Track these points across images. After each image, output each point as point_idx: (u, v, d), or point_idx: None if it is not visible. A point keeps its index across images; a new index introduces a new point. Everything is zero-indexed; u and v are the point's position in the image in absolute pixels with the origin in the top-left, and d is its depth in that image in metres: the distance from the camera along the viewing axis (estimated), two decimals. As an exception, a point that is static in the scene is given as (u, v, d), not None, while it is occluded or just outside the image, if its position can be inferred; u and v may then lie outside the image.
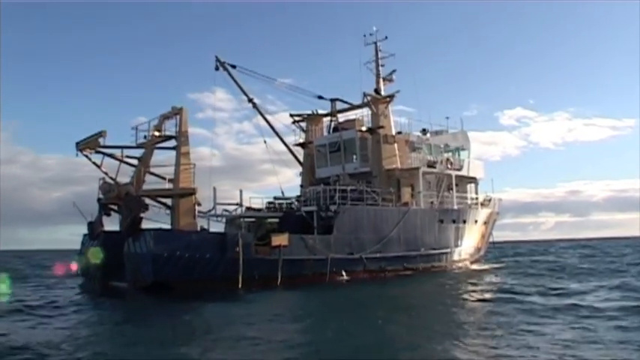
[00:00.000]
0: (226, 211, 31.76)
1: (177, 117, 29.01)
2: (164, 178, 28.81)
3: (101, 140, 27.73)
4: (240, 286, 25.60)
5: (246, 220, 32.71)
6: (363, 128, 35.56)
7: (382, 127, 34.88)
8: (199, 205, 28.41)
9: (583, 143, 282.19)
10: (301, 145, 38.98)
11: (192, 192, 27.45)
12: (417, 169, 35.17)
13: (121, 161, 28.48)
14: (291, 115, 39.42)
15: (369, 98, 35.42)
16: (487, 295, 23.23)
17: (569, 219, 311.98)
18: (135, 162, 29.13)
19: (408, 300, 23.24)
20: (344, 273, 29.62)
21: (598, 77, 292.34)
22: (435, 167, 36.56)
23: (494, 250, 47.25)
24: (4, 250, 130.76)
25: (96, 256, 28.14)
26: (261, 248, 27.72)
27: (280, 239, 27.82)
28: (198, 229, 28.80)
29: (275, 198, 33.24)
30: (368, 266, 30.79)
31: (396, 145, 35.68)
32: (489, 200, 42.18)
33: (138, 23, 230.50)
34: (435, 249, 34.91)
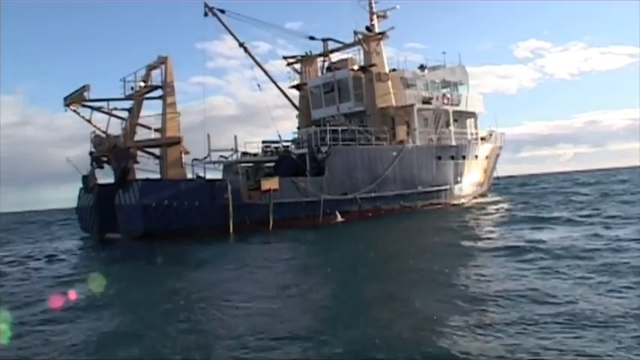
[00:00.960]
0: (223, 157, 31.78)
1: (163, 67, 28.75)
2: (151, 129, 28.71)
3: (86, 94, 27.61)
4: (231, 231, 25.90)
5: (244, 165, 32.65)
6: (355, 67, 34.94)
7: (374, 64, 34.23)
8: (187, 153, 28.41)
9: (600, 72, 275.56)
10: (296, 87, 38.52)
11: (178, 141, 27.38)
12: (412, 105, 34.63)
13: (108, 114, 28.45)
14: (285, 58, 38.92)
15: (360, 36, 34.70)
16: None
17: (587, 150, 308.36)
18: (124, 114, 29.12)
19: (395, 236, 23.43)
20: (338, 214, 29.64)
21: (613, 4, 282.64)
22: (430, 103, 35.93)
23: (499, 185, 46.69)
24: (28, 211, 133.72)
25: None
26: (251, 193, 27.86)
27: (270, 183, 27.88)
28: (190, 177, 28.91)
29: (263, 142, 32.97)
30: (363, 206, 30.73)
31: (389, 82, 35.01)
32: (490, 135, 41.56)
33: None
34: (433, 186, 34.65)
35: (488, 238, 19.39)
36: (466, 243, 18.35)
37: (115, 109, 29.32)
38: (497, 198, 41.15)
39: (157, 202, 25.24)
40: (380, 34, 35.44)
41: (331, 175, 29.62)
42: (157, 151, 28.58)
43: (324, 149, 29.82)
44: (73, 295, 12.80)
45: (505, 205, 34.53)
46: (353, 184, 30.50)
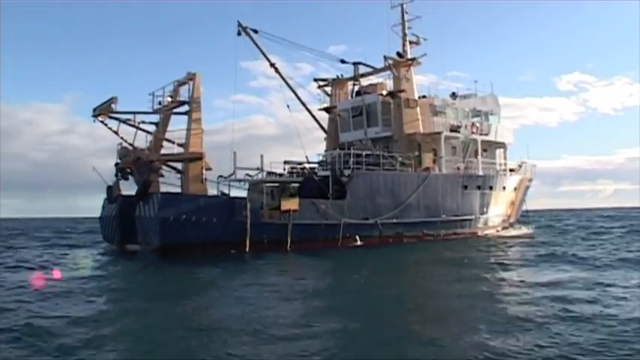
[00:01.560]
0: (248, 175, 31.86)
1: (191, 83, 29.07)
2: (174, 143, 28.97)
3: (114, 106, 28.03)
4: (247, 249, 25.86)
5: (269, 185, 32.65)
6: (384, 92, 34.84)
7: (403, 90, 34.05)
8: (209, 169, 28.54)
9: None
10: (325, 109, 38.54)
11: (199, 156, 27.55)
12: (439, 133, 34.30)
13: (135, 127, 28.79)
14: (315, 80, 39.14)
15: (390, 62, 34.63)
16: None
17: (628, 186, 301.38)
18: (151, 127, 29.48)
19: (409, 266, 22.93)
20: (358, 238, 29.38)
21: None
22: (458, 132, 35.55)
23: (528, 218, 45.71)
24: (66, 218, 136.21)
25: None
26: (271, 212, 27.82)
27: (290, 204, 27.85)
28: (214, 193, 29.06)
29: (285, 162, 32.84)
30: (384, 232, 30.42)
31: (418, 109, 34.77)
32: (520, 166, 40.89)
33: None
34: (457, 215, 34.14)
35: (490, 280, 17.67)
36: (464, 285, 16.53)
37: (143, 122, 29.75)
38: (523, 232, 40.14)
39: (175, 215, 25.34)
40: (410, 60, 35.29)
41: (353, 199, 29.41)
42: (180, 165, 28.81)
43: (346, 172, 29.68)
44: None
45: (526, 240, 33.31)
46: (375, 209, 30.23)
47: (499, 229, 38.63)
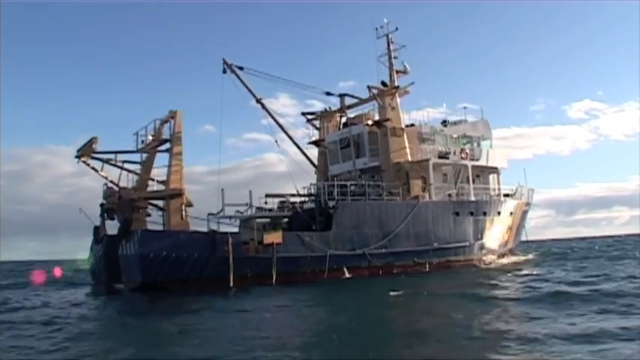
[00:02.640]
0: (238, 212, 31.73)
1: (173, 120, 29.28)
2: (154, 180, 29.09)
3: (95, 146, 28.23)
4: (231, 284, 25.60)
5: (260, 220, 32.46)
6: (369, 122, 34.77)
7: (388, 119, 33.93)
8: (190, 205, 28.52)
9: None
10: (315, 143, 38.52)
11: (179, 193, 27.54)
12: (427, 160, 34.01)
13: (118, 167, 28.95)
14: (303, 114, 39.20)
15: (375, 91, 34.63)
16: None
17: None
18: (134, 167, 29.66)
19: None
20: (346, 270, 28.98)
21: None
22: (447, 158, 35.25)
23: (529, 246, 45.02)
24: (82, 259, 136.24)
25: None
26: (255, 246, 27.63)
27: (273, 237, 27.64)
28: (198, 229, 28.94)
29: (267, 195, 32.56)
30: (373, 262, 29.98)
31: (405, 137, 34.62)
32: (515, 191, 40.41)
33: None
34: (450, 243, 33.63)
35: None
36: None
37: (128, 162, 29.96)
38: (522, 258, 39.40)
39: (155, 252, 25.22)
40: (394, 88, 35.22)
41: (339, 230, 29.14)
42: (161, 203, 28.86)
43: (331, 204, 29.48)
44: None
45: (525, 271, 31.49)
46: (362, 239, 29.87)
47: (497, 255, 37.95)
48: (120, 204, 27.84)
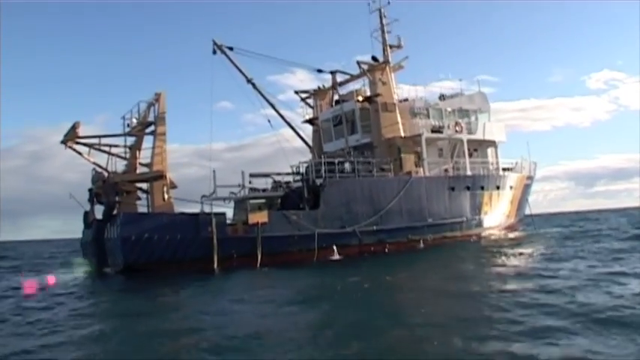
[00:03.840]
0: (232, 193, 31.44)
1: (157, 102, 28.98)
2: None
3: (78, 131, 28.00)
4: (215, 266, 25.37)
5: (255, 201, 32.13)
6: (360, 98, 34.17)
7: (379, 94, 33.29)
8: (174, 187, 28.27)
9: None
10: (309, 121, 38.05)
11: (160, 174, 27.26)
12: (420, 135, 33.34)
13: (103, 151, 28.70)
14: (297, 92, 38.64)
15: (365, 67, 33.97)
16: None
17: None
18: (119, 151, 29.38)
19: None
20: (335, 249, 28.55)
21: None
22: (441, 132, 34.53)
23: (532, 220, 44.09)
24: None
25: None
26: (237, 227, 27.37)
27: (258, 216, 27.33)
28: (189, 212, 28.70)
29: (251, 175, 32.08)
30: (364, 240, 29.50)
31: (397, 112, 33.96)
32: (515, 164, 39.56)
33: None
34: (445, 219, 33.05)
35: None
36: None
37: (117, 146, 29.72)
38: (523, 234, 38.52)
39: (137, 234, 25.06)
40: (384, 63, 34.52)
41: (327, 208, 28.70)
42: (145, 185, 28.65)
43: (318, 181, 29.04)
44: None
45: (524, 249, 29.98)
46: (352, 217, 29.39)
47: (498, 230, 37.27)
48: (104, 188, 27.69)
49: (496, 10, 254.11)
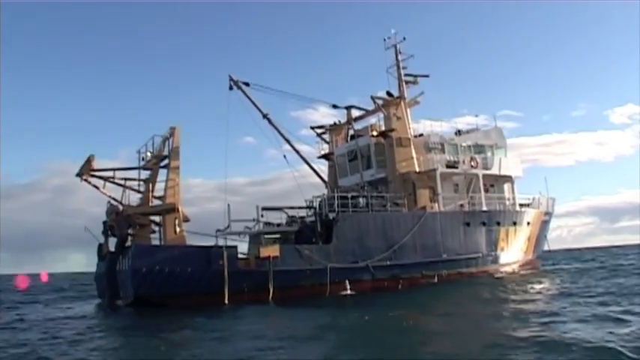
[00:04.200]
0: (247, 228, 31.42)
1: (172, 137, 29.33)
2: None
3: (93, 164, 28.33)
4: (226, 300, 25.23)
5: (270, 236, 32.05)
6: (375, 133, 34.23)
7: (393, 129, 33.35)
8: (187, 220, 28.37)
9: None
10: (324, 157, 38.16)
11: (172, 207, 27.41)
12: (434, 170, 33.20)
13: (118, 184, 28.97)
14: (312, 128, 38.89)
15: (379, 102, 34.10)
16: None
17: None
18: (134, 184, 29.65)
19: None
20: (347, 283, 28.28)
21: None
22: (456, 167, 34.34)
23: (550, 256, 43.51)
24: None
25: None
26: (248, 261, 27.32)
27: (269, 250, 27.20)
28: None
29: (263, 208, 31.95)
30: (377, 275, 29.23)
31: (412, 147, 33.93)
32: (532, 200, 39.13)
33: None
34: (460, 254, 32.66)
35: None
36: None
37: (132, 179, 29.99)
38: (541, 270, 37.85)
39: (148, 266, 25.08)
40: (398, 98, 34.63)
41: (340, 242, 28.55)
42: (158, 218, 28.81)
43: (331, 215, 28.96)
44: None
45: (541, 285, 29.22)
46: (365, 251, 29.17)
47: (515, 267, 36.71)
48: (117, 220, 27.88)
49: (519, 45, 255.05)
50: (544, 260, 43.60)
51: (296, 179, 35.49)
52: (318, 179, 37.61)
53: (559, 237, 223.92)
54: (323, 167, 37.96)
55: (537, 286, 26.85)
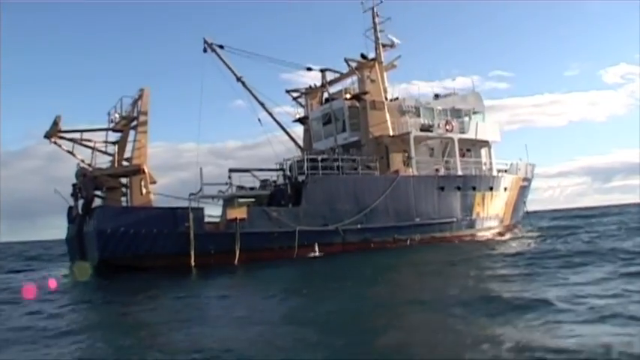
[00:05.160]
0: (221, 192, 31.21)
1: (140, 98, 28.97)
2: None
3: (60, 125, 27.98)
4: (192, 262, 25.13)
5: (244, 200, 31.83)
6: (348, 96, 33.82)
7: (367, 92, 32.89)
8: (153, 182, 28.13)
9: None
10: (299, 121, 37.78)
11: (138, 169, 27.15)
12: (408, 133, 32.84)
13: (87, 146, 28.66)
14: (287, 92, 38.28)
15: (353, 64, 33.60)
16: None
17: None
18: (104, 146, 29.34)
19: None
20: (316, 246, 28.18)
21: None
22: (431, 131, 33.94)
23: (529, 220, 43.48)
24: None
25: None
26: (217, 224, 27.18)
27: (237, 212, 27.06)
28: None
29: (230, 170, 31.49)
30: (347, 238, 29.11)
31: (386, 110, 33.52)
32: (510, 166, 38.91)
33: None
34: (434, 219, 32.51)
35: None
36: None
37: (103, 142, 29.68)
38: (519, 235, 37.67)
39: (112, 228, 24.94)
40: (372, 60, 34.11)
41: (309, 205, 28.37)
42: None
43: (300, 178, 28.76)
44: None
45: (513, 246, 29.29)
46: (335, 214, 29.00)
47: (492, 232, 36.57)
48: (83, 182, 27.60)
49: (511, 4, 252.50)
50: (525, 224, 43.36)
51: (270, 143, 35.20)
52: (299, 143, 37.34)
53: (552, 197, 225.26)
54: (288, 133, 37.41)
55: (502, 250, 26.58)
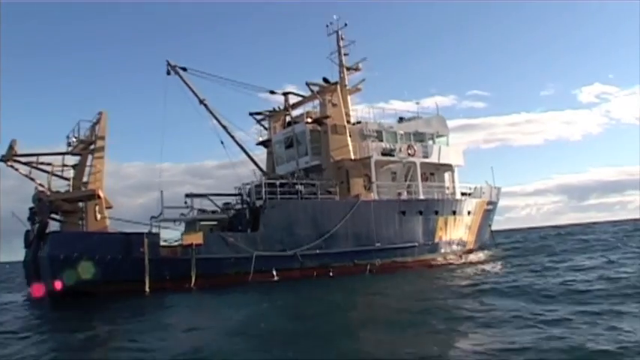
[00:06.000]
0: (182, 215, 31.04)
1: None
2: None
3: (16, 149, 27.83)
4: (147, 288, 24.94)
5: (206, 223, 31.65)
6: (310, 120, 33.93)
7: (328, 116, 32.98)
8: (109, 207, 28.00)
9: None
10: (262, 144, 37.82)
11: (92, 193, 27.02)
12: (369, 158, 32.98)
13: (41, 170, 28.47)
14: (251, 114, 38.25)
15: (315, 88, 33.73)
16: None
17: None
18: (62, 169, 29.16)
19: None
20: (274, 272, 28.09)
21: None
22: (392, 155, 34.09)
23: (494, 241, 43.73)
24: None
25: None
26: (173, 248, 27.02)
27: (192, 238, 26.98)
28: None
29: (186, 195, 31.35)
30: (305, 264, 29.02)
31: (347, 134, 33.64)
32: (474, 189, 39.14)
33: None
34: (395, 243, 32.53)
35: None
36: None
37: (64, 166, 29.49)
38: (482, 258, 37.79)
39: (65, 254, 24.68)
40: (334, 84, 34.24)
41: (267, 230, 28.32)
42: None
43: (258, 203, 28.73)
44: None
45: (469, 271, 29.33)
46: (294, 240, 28.94)
47: (455, 255, 36.64)
48: (39, 206, 27.40)
49: (489, 24, 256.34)
50: (491, 247, 43.49)
51: (233, 166, 35.06)
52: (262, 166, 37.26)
53: (528, 215, 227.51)
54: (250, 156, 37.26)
55: (459, 276, 26.68)
